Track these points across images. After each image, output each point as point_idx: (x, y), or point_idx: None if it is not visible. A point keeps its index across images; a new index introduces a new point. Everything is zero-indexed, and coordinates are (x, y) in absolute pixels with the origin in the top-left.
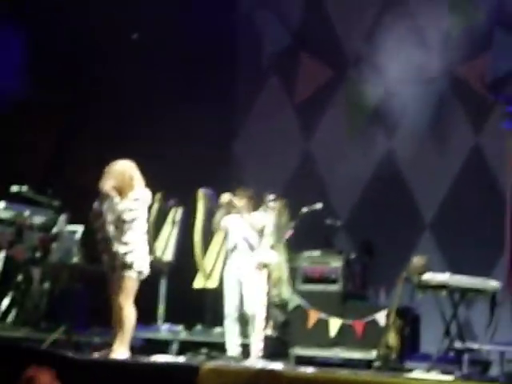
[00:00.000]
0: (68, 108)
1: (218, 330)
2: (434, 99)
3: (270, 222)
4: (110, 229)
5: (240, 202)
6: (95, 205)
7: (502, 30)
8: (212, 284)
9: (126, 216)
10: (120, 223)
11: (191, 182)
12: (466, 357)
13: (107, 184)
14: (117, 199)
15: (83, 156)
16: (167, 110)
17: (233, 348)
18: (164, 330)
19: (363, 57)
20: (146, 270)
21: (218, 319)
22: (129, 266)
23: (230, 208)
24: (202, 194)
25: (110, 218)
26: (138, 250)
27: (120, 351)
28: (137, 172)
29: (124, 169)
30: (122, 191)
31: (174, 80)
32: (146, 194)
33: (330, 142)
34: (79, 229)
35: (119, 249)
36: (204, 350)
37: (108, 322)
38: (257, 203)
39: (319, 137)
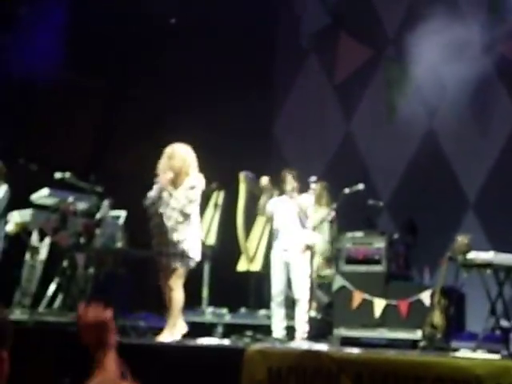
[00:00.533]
0: (108, 93)
1: (262, 312)
2: (475, 78)
3: (312, 203)
4: (169, 218)
5: (291, 183)
6: (151, 192)
7: None
8: (255, 267)
9: (187, 209)
10: (179, 214)
11: (232, 165)
12: None
13: (164, 178)
14: (175, 192)
15: (124, 142)
16: (207, 93)
17: (278, 330)
18: (209, 313)
19: (403, 36)
20: (199, 258)
21: (261, 302)
22: (184, 254)
23: (271, 191)
24: (243, 176)
25: (168, 208)
26: (193, 238)
27: (168, 334)
28: (194, 157)
29: (185, 155)
30: (179, 178)
31: (214, 64)
32: (201, 180)
33: (370, 122)
34: (122, 214)
35: (175, 237)
36: (249, 333)
37: (151, 306)
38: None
39: (360, 117)
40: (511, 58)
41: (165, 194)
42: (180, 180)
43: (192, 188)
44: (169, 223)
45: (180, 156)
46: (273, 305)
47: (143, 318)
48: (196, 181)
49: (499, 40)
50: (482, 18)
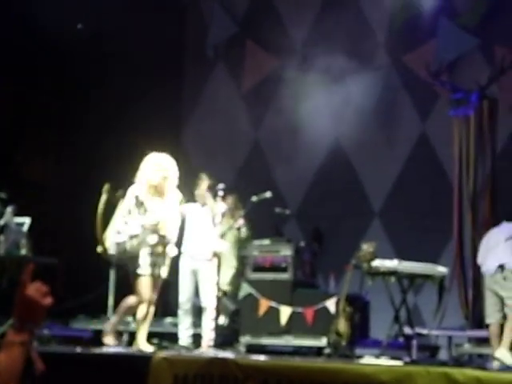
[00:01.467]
0: (15, 97)
1: (168, 320)
2: (380, 87)
3: (220, 211)
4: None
5: (200, 190)
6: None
7: (446, 18)
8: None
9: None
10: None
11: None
12: (414, 342)
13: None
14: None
15: (29, 147)
16: (115, 101)
17: (185, 338)
18: None
19: (309, 45)
20: None
21: (167, 309)
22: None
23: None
24: (107, 187)
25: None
26: None
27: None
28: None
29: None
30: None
31: (122, 73)
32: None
33: (278, 130)
34: (26, 221)
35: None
36: (155, 341)
37: (54, 315)
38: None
39: (267, 126)
40: (414, 69)
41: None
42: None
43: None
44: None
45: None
46: (180, 312)
47: (47, 327)
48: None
49: (402, 51)
50: (386, 29)
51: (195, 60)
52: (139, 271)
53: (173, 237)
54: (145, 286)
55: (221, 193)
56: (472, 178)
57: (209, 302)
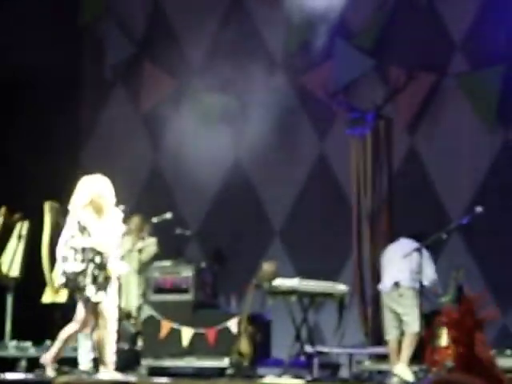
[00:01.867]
0: None
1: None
2: (280, 108)
3: (119, 233)
4: None
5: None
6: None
7: (342, 39)
8: (61, 298)
9: None
10: None
11: (37, 196)
12: (316, 360)
13: None
14: None
15: None
16: (11, 121)
17: (85, 362)
18: (12, 347)
19: (208, 67)
20: None
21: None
22: None
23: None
24: (49, 206)
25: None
26: None
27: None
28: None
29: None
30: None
31: (16, 94)
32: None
33: (177, 151)
34: None
35: None
36: (54, 366)
37: None
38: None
39: (167, 146)
40: (312, 89)
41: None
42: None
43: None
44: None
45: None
46: (80, 336)
47: None
48: None
49: (300, 72)
50: (282, 52)
51: (93, 81)
52: (92, 297)
53: (115, 255)
54: (92, 311)
55: (121, 214)
56: (370, 197)
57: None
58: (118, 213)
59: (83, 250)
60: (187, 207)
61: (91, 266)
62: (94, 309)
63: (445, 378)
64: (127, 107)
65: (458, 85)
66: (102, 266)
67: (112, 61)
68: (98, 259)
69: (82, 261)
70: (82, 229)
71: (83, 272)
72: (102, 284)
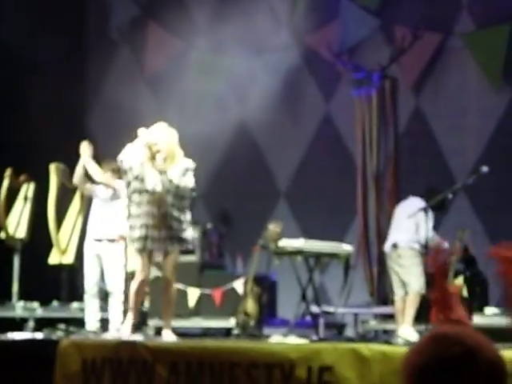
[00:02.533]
0: None
1: (75, 305)
2: (284, 69)
3: (124, 193)
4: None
5: (105, 173)
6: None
7: (347, 0)
8: (68, 259)
9: None
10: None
11: (42, 157)
12: (321, 320)
13: None
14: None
15: None
16: (14, 85)
17: (92, 322)
18: (19, 307)
19: (213, 27)
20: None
21: (74, 295)
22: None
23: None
24: (54, 168)
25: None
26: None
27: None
28: None
29: None
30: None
31: (21, 54)
32: None
33: (183, 112)
34: None
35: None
36: (62, 326)
37: None
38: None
39: (173, 108)
40: (316, 50)
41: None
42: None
43: None
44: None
45: None
46: (86, 297)
47: None
48: None
49: (305, 32)
50: (288, 12)
51: (98, 43)
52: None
53: None
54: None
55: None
56: (375, 158)
57: (115, 286)
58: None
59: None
60: (197, 168)
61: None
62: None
63: (440, 330)
64: (133, 68)
65: (463, 44)
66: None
67: (116, 22)
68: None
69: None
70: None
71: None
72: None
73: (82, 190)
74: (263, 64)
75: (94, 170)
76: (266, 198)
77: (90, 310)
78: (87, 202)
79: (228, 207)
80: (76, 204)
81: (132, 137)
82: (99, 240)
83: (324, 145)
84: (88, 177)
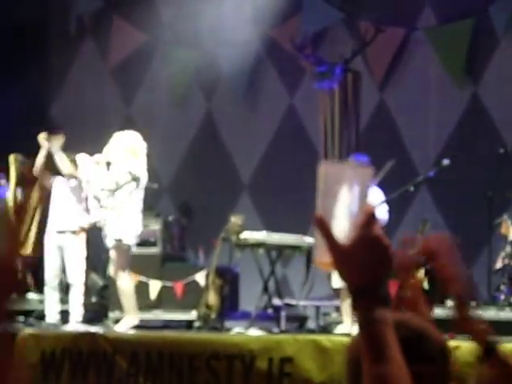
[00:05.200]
0: None
1: (33, 297)
2: (248, 62)
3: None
4: None
5: (65, 161)
6: None
7: None
8: (25, 251)
9: None
10: None
11: (3, 148)
12: (283, 313)
13: None
14: None
15: None
16: None
17: (52, 314)
18: None
19: (178, 20)
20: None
21: (34, 286)
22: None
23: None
24: (13, 158)
25: None
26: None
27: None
28: None
29: None
30: None
31: None
32: None
33: (150, 105)
34: None
35: None
36: (21, 318)
37: None
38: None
39: (139, 101)
40: (281, 42)
41: None
42: None
43: None
44: None
45: None
46: (46, 289)
47: None
48: None
49: (269, 25)
50: (252, 5)
51: (60, 36)
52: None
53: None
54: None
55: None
56: (338, 151)
57: (76, 278)
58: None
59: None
60: (159, 161)
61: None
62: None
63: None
64: (97, 61)
65: (426, 39)
66: None
67: (80, 13)
68: None
69: None
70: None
71: None
72: None
73: (42, 181)
74: (227, 57)
75: (63, 161)
76: (229, 190)
77: (50, 302)
78: (46, 194)
79: (191, 200)
80: (35, 195)
81: (97, 129)
82: (62, 232)
83: (287, 138)
84: (48, 168)
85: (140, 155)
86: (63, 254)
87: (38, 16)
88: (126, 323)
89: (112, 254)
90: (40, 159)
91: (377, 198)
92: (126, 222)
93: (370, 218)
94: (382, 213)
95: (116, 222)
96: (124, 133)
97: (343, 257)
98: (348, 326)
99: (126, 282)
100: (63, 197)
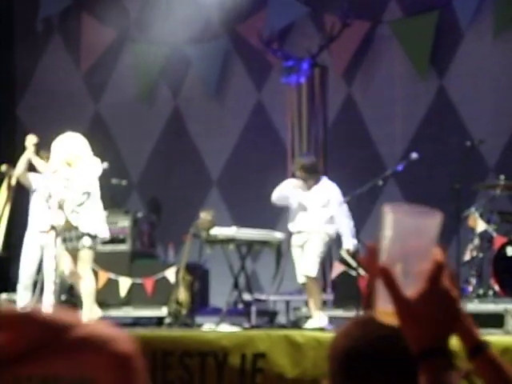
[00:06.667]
0: None
1: (3, 296)
2: (217, 57)
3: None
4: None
5: (41, 163)
6: None
7: None
8: None
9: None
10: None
11: None
12: (254, 308)
13: None
14: None
15: None
16: None
17: None
18: None
19: (145, 17)
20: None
21: (4, 285)
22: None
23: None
24: None
25: None
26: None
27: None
28: None
29: None
30: None
31: None
32: None
33: (119, 103)
34: None
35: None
36: None
37: None
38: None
39: (108, 99)
40: (246, 38)
41: None
42: None
43: None
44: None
45: None
46: (20, 288)
47: None
48: None
49: (236, 20)
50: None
51: (26, 35)
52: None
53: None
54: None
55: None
56: (305, 146)
57: (50, 277)
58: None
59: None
60: (129, 157)
61: None
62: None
63: (365, 315)
64: (65, 59)
65: (392, 32)
66: None
67: (46, 13)
68: None
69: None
70: None
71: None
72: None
73: (23, 183)
74: (195, 53)
75: (39, 163)
76: (198, 186)
77: (22, 302)
78: (14, 192)
79: (159, 196)
80: (3, 194)
81: (65, 127)
82: (43, 231)
83: (255, 133)
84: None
85: (80, 162)
86: (43, 253)
87: (4, 15)
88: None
89: (82, 253)
90: (24, 162)
91: (337, 197)
92: (98, 218)
93: (438, 269)
94: (344, 213)
95: (87, 219)
96: (61, 141)
97: (408, 311)
98: (317, 320)
99: (93, 281)
100: (43, 194)
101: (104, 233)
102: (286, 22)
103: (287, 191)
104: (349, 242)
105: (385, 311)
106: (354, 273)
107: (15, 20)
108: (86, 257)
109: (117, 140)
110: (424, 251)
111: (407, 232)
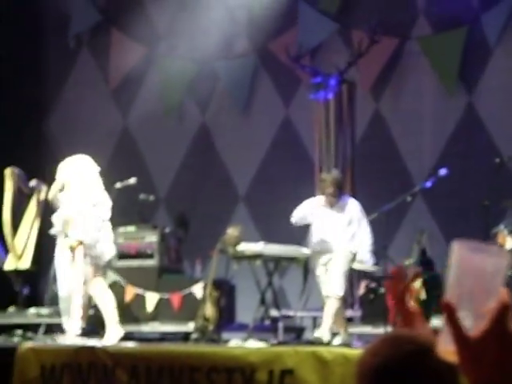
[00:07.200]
0: None
1: (32, 311)
2: (245, 73)
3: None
4: None
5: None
6: None
7: (307, 4)
8: (24, 265)
9: None
10: None
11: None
12: (280, 324)
13: None
14: None
15: None
16: None
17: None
18: None
19: (174, 31)
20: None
21: (31, 300)
22: None
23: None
24: (10, 172)
25: None
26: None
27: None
28: None
29: None
30: None
31: None
32: None
33: (146, 118)
34: None
35: None
36: (19, 332)
37: None
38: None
39: (136, 114)
40: (277, 55)
41: None
42: None
43: None
44: None
45: None
46: (61, 302)
47: None
48: None
49: (265, 38)
50: (248, 18)
51: (56, 50)
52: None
53: None
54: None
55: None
56: (333, 162)
57: (73, 291)
58: None
59: None
60: (157, 172)
61: None
62: None
63: (392, 332)
64: (95, 75)
65: (420, 48)
66: None
67: (76, 29)
68: None
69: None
70: None
71: None
72: None
73: (55, 204)
74: (223, 69)
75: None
76: (225, 201)
77: (67, 318)
78: (43, 207)
79: (187, 211)
80: (32, 209)
81: (94, 141)
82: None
83: (283, 149)
84: None
85: (81, 184)
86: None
87: (34, 31)
88: (114, 335)
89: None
90: (57, 186)
91: (358, 214)
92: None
93: (504, 310)
94: (364, 229)
95: (106, 239)
96: (62, 166)
97: (470, 351)
98: (342, 337)
99: (112, 299)
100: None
101: (111, 252)
102: (315, 39)
103: (308, 211)
104: (365, 256)
105: (446, 350)
106: (381, 290)
107: (47, 36)
108: (101, 273)
109: (144, 155)
110: (490, 291)
111: (474, 270)
